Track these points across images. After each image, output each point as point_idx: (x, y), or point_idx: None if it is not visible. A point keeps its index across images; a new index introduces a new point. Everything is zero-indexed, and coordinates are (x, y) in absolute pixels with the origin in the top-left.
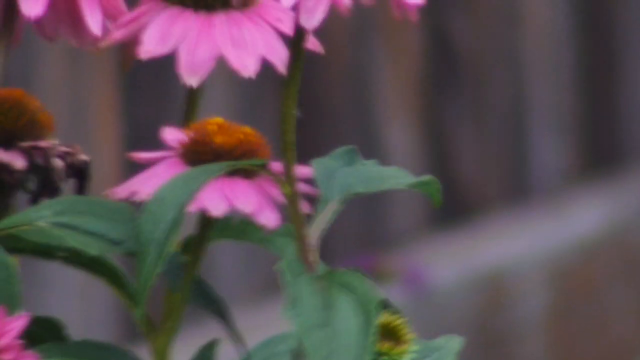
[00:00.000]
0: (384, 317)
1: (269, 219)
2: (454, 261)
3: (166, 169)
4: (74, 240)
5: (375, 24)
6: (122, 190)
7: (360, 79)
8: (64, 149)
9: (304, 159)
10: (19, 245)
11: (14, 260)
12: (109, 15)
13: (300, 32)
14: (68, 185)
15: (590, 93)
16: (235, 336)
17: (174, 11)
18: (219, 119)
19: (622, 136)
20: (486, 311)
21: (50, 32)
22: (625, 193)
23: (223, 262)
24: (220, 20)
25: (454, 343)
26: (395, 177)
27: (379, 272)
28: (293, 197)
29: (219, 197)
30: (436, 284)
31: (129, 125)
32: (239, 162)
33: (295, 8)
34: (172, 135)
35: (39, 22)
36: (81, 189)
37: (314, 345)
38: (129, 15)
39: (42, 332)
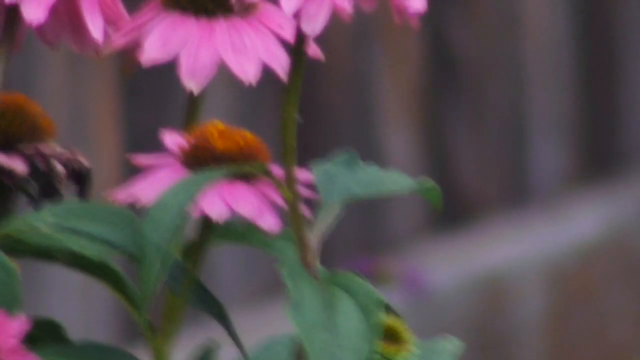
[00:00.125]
0: (383, 319)
1: (269, 223)
2: (453, 264)
3: (167, 173)
4: (74, 244)
5: (375, 29)
6: (122, 194)
7: (361, 84)
8: (64, 153)
9: (304, 164)
10: (19, 248)
11: (14, 263)
12: (110, 21)
13: (301, 38)
14: (69, 190)
15: (590, 96)
16: (235, 339)
17: (175, 17)
18: (219, 124)
19: (621, 139)
20: (485, 314)
21: (51, 37)
22: (624, 196)
23: (223, 264)
24: (221, 26)
25: (453, 345)
26: (395, 181)
27: (378, 274)
28: (293, 201)
29: (220, 201)
30: (435, 286)
31: (130, 130)
32: (240, 167)
33: (296, 14)
34: (172, 139)
35: (40, 28)
36: (82, 194)
37: (316, 347)
38: (130, 22)
39: (42, 333)
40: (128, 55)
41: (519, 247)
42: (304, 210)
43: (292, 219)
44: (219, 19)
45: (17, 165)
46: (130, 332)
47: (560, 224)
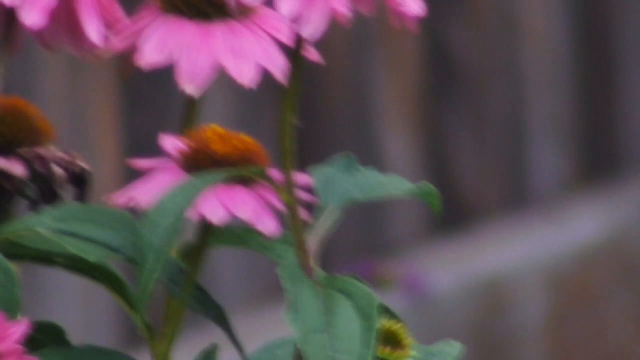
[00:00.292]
0: (383, 323)
1: (268, 226)
2: (453, 268)
3: (166, 177)
4: (74, 247)
5: (374, 33)
6: (121, 198)
7: (360, 88)
8: (64, 156)
9: (303, 167)
10: (19, 251)
11: (14, 266)
12: (109, 24)
13: (300, 42)
14: (68, 193)
15: (589, 101)
16: (235, 342)
17: (174, 21)
18: (218, 128)
19: (620, 144)
20: (485, 318)
21: (50, 41)
22: (623, 201)
23: (223, 266)
24: (219, 30)
25: (453, 349)
26: (394, 184)
27: (378, 278)
28: (292, 205)
29: (219, 205)
30: (435, 290)
31: (129, 134)
32: (238, 170)
33: (295, 19)
34: (171, 143)
35: (39, 32)
36: (81, 197)
37: (314, 350)
38: (129, 25)
39: (43, 337)
40: (126, 58)
41: (518, 251)
42: (303, 214)
43: (291, 223)
44: (217, 22)
45: (17, 169)
46: (131, 336)
47: (559, 228)
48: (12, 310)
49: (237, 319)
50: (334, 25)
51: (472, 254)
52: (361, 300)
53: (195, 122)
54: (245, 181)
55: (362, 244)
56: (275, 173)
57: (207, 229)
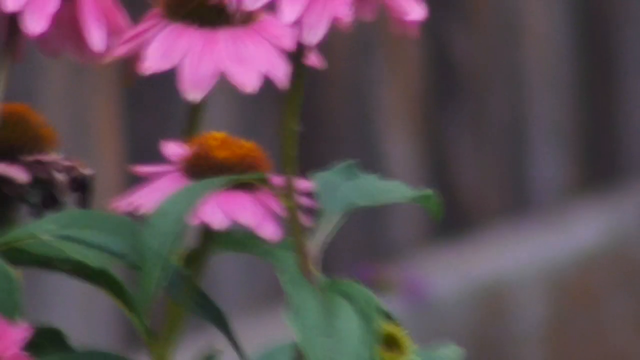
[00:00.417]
0: (384, 327)
1: (269, 232)
2: (454, 272)
3: (168, 182)
4: (76, 253)
5: (375, 38)
6: (123, 203)
7: (361, 92)
8: (66, 163)
9: (305, 173)
10: (21, 257)
11: (16, 272)
12: (112, 30)
13: (301, 48)
14: (71, 199)
15: (590, 106)
16: (236, 346)
17: (176, 27)
18: (220, 133)
19: (621, 149)
20: (485, 322)
21: (53, 47)
22: (624, 206)
23: (225, 271)
24: (222, 37)
25: (453, 352)
26: (395, 190)
27: (378, 282)
28: (293, 211)
29: (220, 210)
30: (436, 294)
31: (131, 139)
32: (240, 176)
33: (296, 24)
34: (173, 149)
35: (41, 38)
36: (84, 203)
37: (315, 353)
38: (131, 31)
39: (44, 341)
40: (129, 64)
41: (519, 256)
42: (304, 220)
43: (292, 228)
44: (219, 29)
45: (19, 174)
46: (132, 340)
47: (560, 233)
48: (13, 314)
49: (238, 323)
50: (336, 30)
51: (473, 258)
52: (362, 304)
53: (197, 127)
54: (246, 187)
55: (363, 247)
56: (277, 179)
57: (208, 234)
